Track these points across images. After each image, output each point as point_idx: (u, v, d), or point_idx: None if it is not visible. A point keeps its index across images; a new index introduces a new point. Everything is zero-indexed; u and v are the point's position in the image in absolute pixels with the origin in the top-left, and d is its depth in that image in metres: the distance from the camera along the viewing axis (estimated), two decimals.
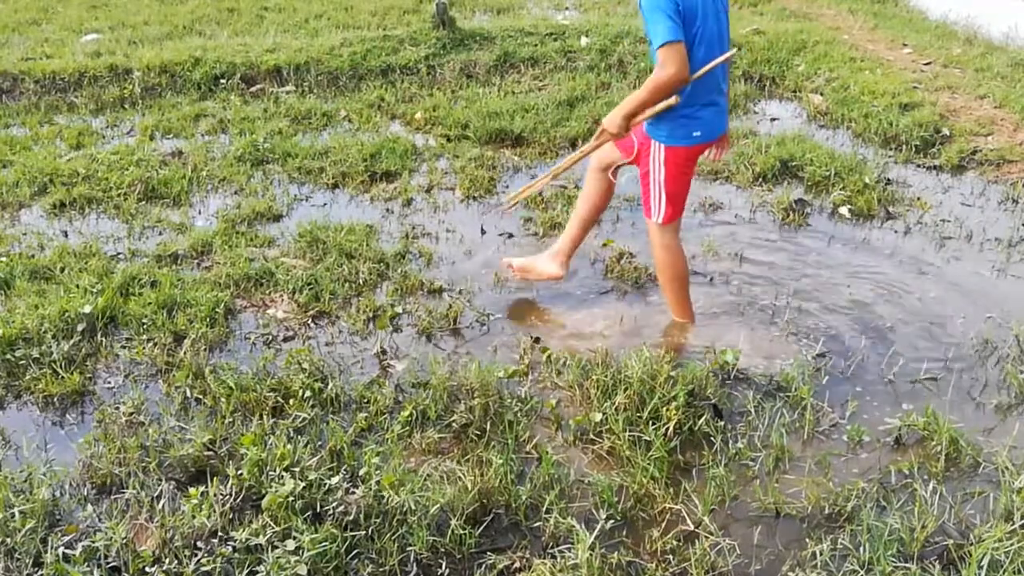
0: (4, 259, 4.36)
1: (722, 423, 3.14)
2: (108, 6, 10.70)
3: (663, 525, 2.71)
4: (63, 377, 3.43)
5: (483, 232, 4.84)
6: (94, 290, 3.97)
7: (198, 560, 2.50)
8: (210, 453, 2.97)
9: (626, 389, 3.22)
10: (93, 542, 2.55)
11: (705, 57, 3.33)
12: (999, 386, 3.41)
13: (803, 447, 3.07)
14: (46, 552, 2.52)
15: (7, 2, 11.00)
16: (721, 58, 3.35)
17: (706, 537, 2.63)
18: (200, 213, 5.10)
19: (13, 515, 2.62)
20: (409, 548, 2.58)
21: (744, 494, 2.84)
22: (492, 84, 7.47)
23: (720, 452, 3.00)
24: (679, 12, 3.21)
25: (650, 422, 3.08)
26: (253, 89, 7.41)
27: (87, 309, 3.78)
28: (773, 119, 6.74)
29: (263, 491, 2.72)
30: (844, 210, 5.01)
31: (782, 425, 3.13)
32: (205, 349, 3.63)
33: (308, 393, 3.27)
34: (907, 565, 2.49)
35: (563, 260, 4.04)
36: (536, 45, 8.10)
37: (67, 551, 2.54)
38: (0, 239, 4.66)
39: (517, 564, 2.56)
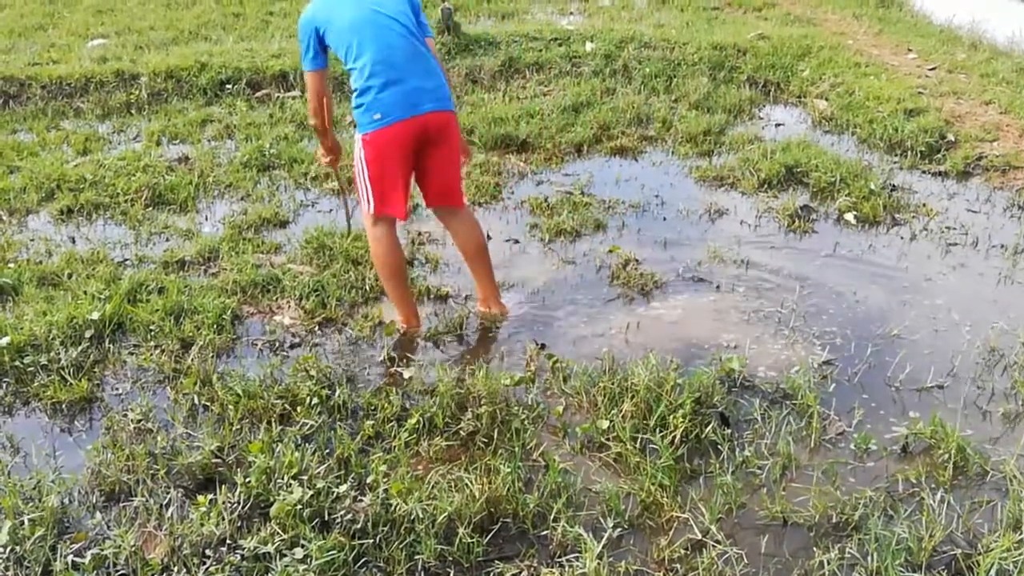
0: (12, 265, 4.38)
1: (729, 431, 3.14)
2: (114, 11, 10.74)
3: (670, 533, 2.71)
4: (71, 384, 3.44)
5: (489, 238, 4.82)
6: (102, 296, 3.98)
7: (207, 568, 2.50)
8: (218, 460, 2.98)
9: (633, 397, 3.23)
10: (102, 550, 2.56)
11: (369, 50, 3.49)
12: (1006, 394, 3.41)
13: (810, 455, 3.07)
14: (55, 560, 2.53)
15: (14, 7, 11.05)
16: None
17: (713, 546, 2.63)
18: (207, 219, 5.12)
19: (22, 523, 2.63)
20: (417, 556, 2.59)
21: (751, 502, 2.84)
22: (497, 89, 7.49)
23: (727, 460, 3.00)
24: (317, 31, 3.55)
25: (657, 430, 3.09)
26: (259, 94, 7.43)
27: (95, 316, 3.79)
28: (778, 125, 6.75)
29: (271, 499, 2.73)
30: (850, 216, 5.01)
31: (789, 433, 3.13)
32: (212, 356, 3.64)
33: (315, 400, 3.28)
34: (915, 575, 2.49)
35: (495, 300, 4.08)
36: (541, 50, 8.13)
37: (76, 559, 2.54)
38: (8, 245, 4.68)
39: (525, 573, 2.56)
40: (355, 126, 3.67)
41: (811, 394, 3.28)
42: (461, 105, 7.10)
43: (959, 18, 9.75)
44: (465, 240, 3.93)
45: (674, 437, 3.05)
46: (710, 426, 3.12)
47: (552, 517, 2.73)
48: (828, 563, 2.54)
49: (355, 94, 3.56)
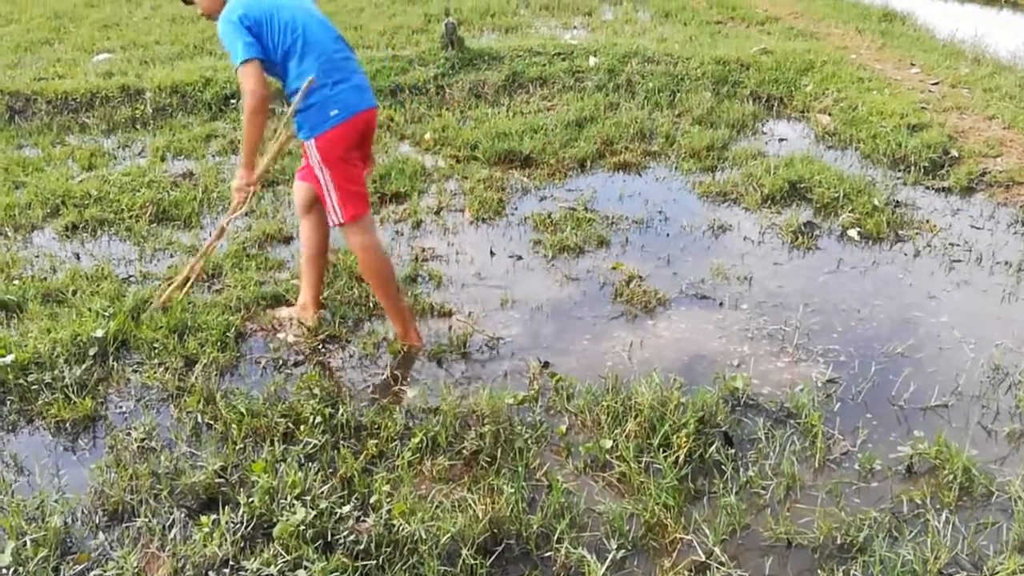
0: (17, 282, 4.39)
1: (733, 451, 3.14)
2: (120, 26, 10.81)
3: (674, 555, 2.70)
4: (75, 402, 3.45)
5: (492, 254, 4.85)
6: (106, 313, 3.99)
7: None
8: (221, 480, 2.97)
9: (636, 416, 3.23)
10: (105, 571, 2.56)
11: (314, 49, 3.49)
12: (1011, 413, 3.39)
13: (814, 475, 3.06)
14: None
15: (20, 22, 11.11)
16: (306, 83, 3.46)
17: (717, 568, 2.62)
18: (211, 235, 5.12)
19: (25, 543, 2.63)
20: None
21: (755, 523, 2.83)
22: (501, 104, 7.51)
23: (731, 480, 2.99)
24: (249, 29, 3.43)
25: (660, 449, 3.08)
26: None
27: (99, 333, 3.79)
28: (781, 139, 6.75)
29: (274, 519, 2.73)
30: (853, 233, 5.01)
31: (793, 453, 3.12)
32: (216, 374, 3.64)
33: (319, 419, 3.27)
34: None
35: (314, 309, 4.05)
36: (544, 65, 8.15)
37: None
38: (13, 261, 4.69)
39: None
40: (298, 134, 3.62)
41: (815, 413, 3.27)
42: (465, 120, 7.13)
43: (962, 32, 9.78)
44: (322, 230, 3.95)
45: (678, 457, 3.05)
46: (714, 446, 3.11)
47: (556, 538, 2.72)
48: None
49: (301, 95, 3.50)
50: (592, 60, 8.21)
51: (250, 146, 3.64)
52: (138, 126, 7.20)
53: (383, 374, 3.69)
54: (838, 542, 2.73)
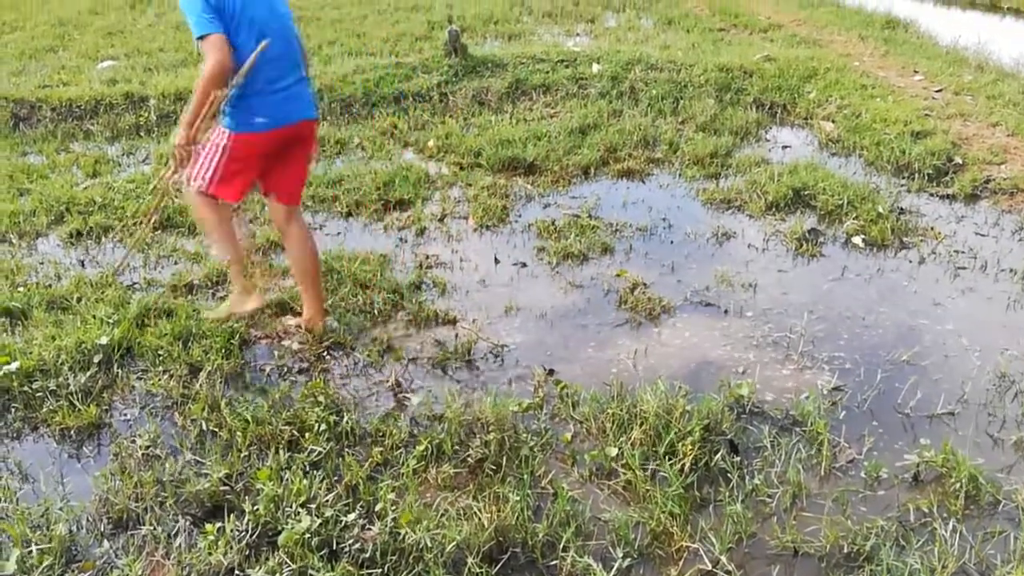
0: (21, 289, 4.39)
1: (738, 459, 3.13)
2: (124, 33, 10.84)
3: (680, 564, 2.69)
4: (80, 409, 3.44)
5: (497, 261, 4.85)
6: (111, 321, 3.99)
7: None
8: (226, 488, 2.97)
9: (642, 423, 3.22)
10: None
11: (271, 57, 3.47)
12: (1018, 421, 3.38)
13: (820, 484, 3.05)
14: None
15: (24, 29, 11.15)
16: (258, 48, 3.40)
17: None
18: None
19: (31, 552, 2.63)
20: None
21: (761, 532, 2.82)
22: (504, 111, 7.52)
23: (737, 488, 2.98)
24: (213, 8, 3.37)
25: (666, 457, 3.08)
26: None
27: (104, 340, 3.79)
28: (785, 147, 6.75)
29: (279, 527, 2.72)
30: (858, 240, 5.00)
31: (799, 461, 3.11)
32: (221, 381, 3.64)
33: (323, 426, 3.27)
34: None
35: (320, 319, 4.03)
36: (548, 72, 8.16)
37: None
38: (18, 268, 4.69)
39: None
40: (221, 117, 3.57)
41: (821, 421, 3.26)
42: (468, 127, 7.13)
43: (965, 39, 9.78)
44: (303, 244, 3.92)
45: (683, 465, 3.04)
46: (719, 454, 3.10)
47: (561, 547, 2.71)
48: None
49: (237, 87, 3.48)
50: (595, 67, 8.22)
51: (198, 110, 3.47)
52: (142, 133, 7.22)
53: (388, 381, 3.68)
54: (845, 551, 2.72)
